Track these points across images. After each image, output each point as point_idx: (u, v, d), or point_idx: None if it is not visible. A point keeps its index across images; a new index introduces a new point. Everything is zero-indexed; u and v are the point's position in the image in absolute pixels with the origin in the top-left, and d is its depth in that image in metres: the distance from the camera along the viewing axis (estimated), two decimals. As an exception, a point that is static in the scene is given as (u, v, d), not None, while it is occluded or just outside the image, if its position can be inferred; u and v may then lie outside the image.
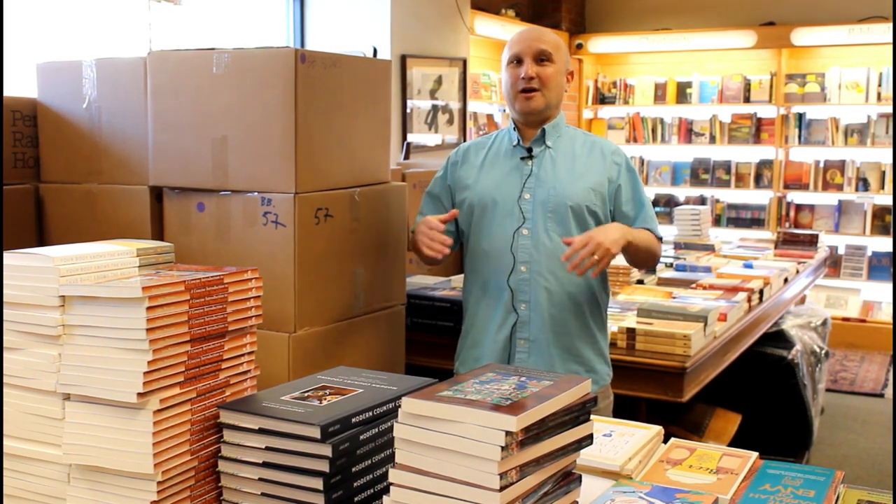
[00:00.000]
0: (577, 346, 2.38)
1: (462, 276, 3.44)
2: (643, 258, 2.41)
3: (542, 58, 2.35)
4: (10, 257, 1.36)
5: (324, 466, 1.25)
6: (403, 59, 5.41)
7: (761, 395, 4.01)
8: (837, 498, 1.39)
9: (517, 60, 2.36)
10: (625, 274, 3.71)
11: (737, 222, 7.46)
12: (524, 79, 2.34)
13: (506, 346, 2.37)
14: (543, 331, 2.35)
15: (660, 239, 2.42)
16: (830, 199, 7.17)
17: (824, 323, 4.63)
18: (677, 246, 4.71)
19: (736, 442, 3.57)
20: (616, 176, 2.39)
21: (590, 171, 2.37)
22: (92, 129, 2.42)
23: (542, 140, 2.39)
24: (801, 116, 7.25)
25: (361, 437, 1.30)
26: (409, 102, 5.52)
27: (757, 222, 7.40)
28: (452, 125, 6.01)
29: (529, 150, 2.38)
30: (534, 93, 2.34)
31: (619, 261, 2.58)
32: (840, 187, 7.09)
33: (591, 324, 2.41)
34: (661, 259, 4.14)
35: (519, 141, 2.40)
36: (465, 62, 6.05)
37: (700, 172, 7.61)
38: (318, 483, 1.25)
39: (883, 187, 6.95)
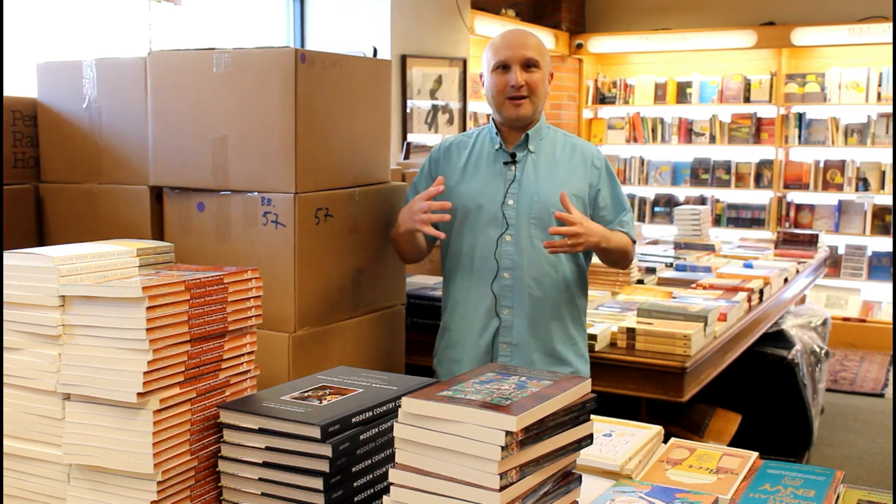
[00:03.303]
0: (557, 348, 2.40)
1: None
2: (615, 259, 2.46)
3: (529, 64, 2.34)
4: (10, 257, 1.37)
5: (324, 466, 1.25)
6: (403, 59, 5.41)
7: (761, 395, 4.01)
8: (837, 498, 1.39)
9: (504, 67, 2.35)
10: (625, 274, 3.71)
11: (737, 222, 7.46)
12: (513, 87, 2.32)
13: (488, 350, 2.39)
14: (525, 335, 2.36)
15: (633, 242, 2.47)
16: (830, 199, 7.17)
17: (824, 323, 4.62)
18: (677, 246, 4.71)
19: (736, 442, 3.57)
20: (597, 181, 2.41)
21: (572, 177, 2.38)
22: (92, 129, 2.42)
23: (525, 145, 2.39)
24: (801, 116, 7.25)
25: (361, 437, 1.30)
26: (409, 102, 5.52)
27: (757, 222, 7.40)
28: (452, 125, 6.01)
29: (513, 155, 2.38)
30: (523, 100, 2.33)
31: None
32: (840, 187, 7.08)
33: (571, 327, 2.43)
34: (662, 259, 4.18)
35: (501, 145, 2.40)
36: (465, 62, 6.05)
37: (700, 172, 7.61)
38: (318, 483, 1.25)
39: (883, 187, 6.95)
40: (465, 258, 2.40)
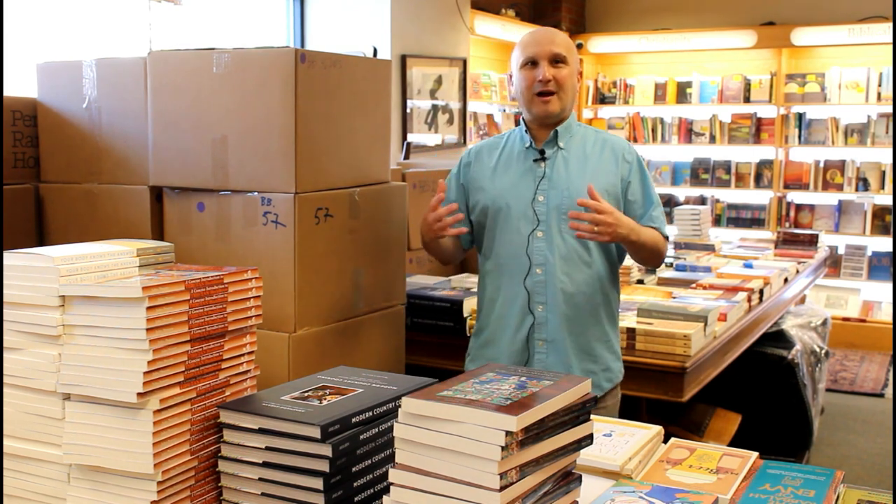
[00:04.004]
0: (592, 345, 2.39)
1: (462, 276, 3.46)
2: (646, 256, 2.44)
3: (557, 60, 2.35)
4: (10, 257, 1.37)
5: (324, 466, 1.25)
6: (403, 59, 5.41)
7: (761, 395, 4.01)
8: (837, 498, 1.39)
9: (532, 63, 2.36)
10: (625, 274, 3.71)
11: (737, 222, 7.46)
12: (541, 81, 2.33)
13: (524, 347, 2.38)
14: (560, 331, 2.36)
15: (666, 238, 2.45)
16: (830, 199, 7.17)
17: (824, 323, 4.62)
18: (677, 246, 4.71)
19: (736, 442, 3.57)
20: (627, 174, 2.40)
21: (602, 172, 2.38)
22: (92, 129, 2.42)
23: (555, 142, 2.39)
24: (801, 116, 7.25)
25: (361, 437, 1.30)
26: (409, 102, 5.52)
27: (757, 222, 7.40)
28: (452, 125, 6.01)
29: (542, 151, 2.38)
30: (551, 96, 2.34)
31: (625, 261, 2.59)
32: (840, 187, 7.08)
33: (605, 322, 2.42)
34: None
35: (531, 143, 2.40)
36: (465, 62, 6.05)
37: (700, 172, 7.61)
38: (318, 483, 1.25)
39: (883, 187, 6.95)
40: (497, 256, 2.41)
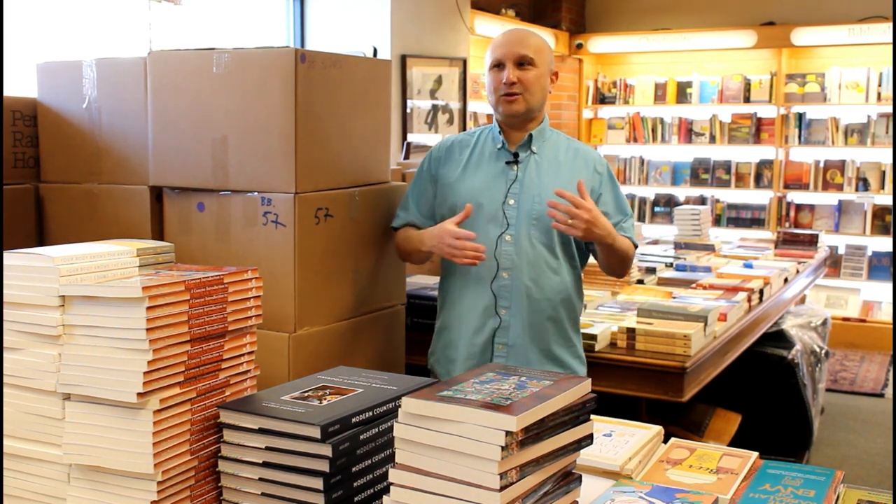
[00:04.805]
0: (553, 350, 2.40)
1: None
2: (615, 262, 2.43)
3: (522, 62, 2.34)
4: (10, 257, 1.37)
5: (324, 466, 1.25)
6: (403, 59, 5.41)
7: (761, 395, 4.01)
8: (837, 498, 1.39)
9: (499, 65, 2.36)
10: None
11: (737, 222, 7.46)
12: (505, 84, 2.33)
13: (484, 350, 2.39)
14: (522, 336, 2.36)
15: (635, 246, 2.46)
16: (830, 199, 7.17)
17: (824, 323, 4.62)
18: (677, 246, 4.71)
19: (736, 442, 3.57)
20: (599, 185, 2.42)
21: (575, 181, 2.37)
22: (92, 129, 2.42)
23: (528, 145, 2.39)
24: (801, 116, 7.25)
25: (361, 437, 1.30)
26: (409, 102, 5.52)
27: (757, 222, 7.40)
28: (452, 125, 6.01)
29: (516, 154, 2.38)
30: (515, 97, 2.34)
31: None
32: (840, 187, 7.08)
33: (568, 328, 2.43)
34: (662, 259, 4.18)
35: (504, 144, 2.40)
36: (465, 62, 6.05)
37: (700, 172, 7.61)
38: (318, 483, 1.25)
39: (883, 187, 6.95)
40: None
